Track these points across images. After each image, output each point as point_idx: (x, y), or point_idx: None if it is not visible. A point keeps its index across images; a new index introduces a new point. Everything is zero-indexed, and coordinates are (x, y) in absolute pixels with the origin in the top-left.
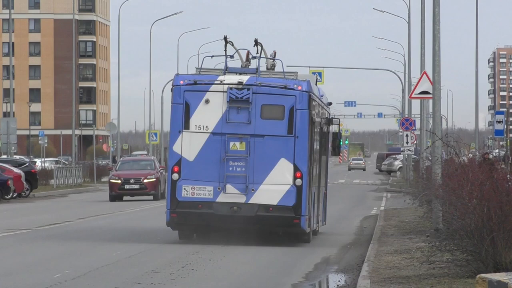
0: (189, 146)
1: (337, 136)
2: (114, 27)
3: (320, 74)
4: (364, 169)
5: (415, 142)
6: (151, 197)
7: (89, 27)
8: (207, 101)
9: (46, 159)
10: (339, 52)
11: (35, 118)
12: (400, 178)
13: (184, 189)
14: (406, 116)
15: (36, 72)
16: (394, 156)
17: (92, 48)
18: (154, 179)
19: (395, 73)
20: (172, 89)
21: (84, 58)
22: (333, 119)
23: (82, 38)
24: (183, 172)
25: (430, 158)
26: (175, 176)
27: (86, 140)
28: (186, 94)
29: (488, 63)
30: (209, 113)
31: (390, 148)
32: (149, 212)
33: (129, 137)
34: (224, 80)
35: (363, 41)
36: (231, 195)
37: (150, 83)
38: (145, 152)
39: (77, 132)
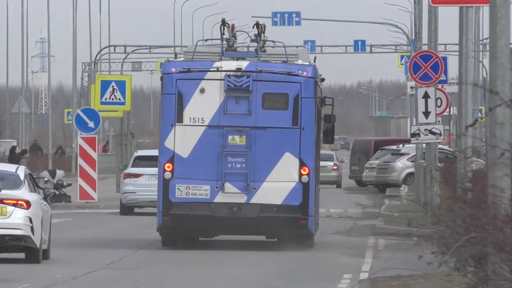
0: (182, 141)
1: (330, 119)
2: None
3: None
4: (338, 185)
5: (447, 111)
6: None
7: None
8: (202, 91)
9: None
10: None
11: None
12: (409, 202)
13: (178, 188)
14: (425, 49)
15: None
16: (394, 148)
17: None
18: None
19: None
20: (162, 78)
21: None
22: (326, 99)
23: None
24: (176, 170)
25: (484, 153)
26: (168, 174)
27: None
28: (179, 83)
29: None
30: (204, 104)
31: (378, 121)
32: None
33: None
34: (221, 67)
35: None
36: (231, 194)
37: None
38: None
39: None
